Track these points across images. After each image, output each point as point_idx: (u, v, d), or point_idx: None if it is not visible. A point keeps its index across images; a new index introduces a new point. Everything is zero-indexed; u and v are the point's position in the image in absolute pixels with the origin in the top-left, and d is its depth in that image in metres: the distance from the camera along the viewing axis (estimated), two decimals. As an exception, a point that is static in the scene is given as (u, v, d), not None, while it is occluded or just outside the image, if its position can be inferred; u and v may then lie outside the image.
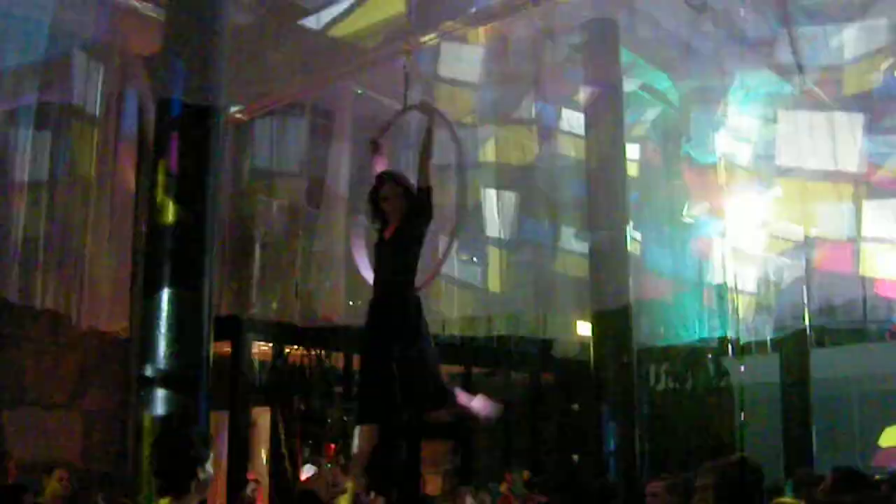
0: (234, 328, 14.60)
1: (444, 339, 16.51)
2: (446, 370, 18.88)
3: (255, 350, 15.37)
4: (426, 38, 11.24)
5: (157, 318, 7.21)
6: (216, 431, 15.27)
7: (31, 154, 10.90)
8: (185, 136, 7.52)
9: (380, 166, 6.98)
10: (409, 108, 7.59)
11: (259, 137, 14.56)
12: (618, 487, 9.00)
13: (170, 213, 7.35)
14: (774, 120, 13.58)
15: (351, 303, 13.68)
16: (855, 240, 13.96)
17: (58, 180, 11.27)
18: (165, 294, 7.23)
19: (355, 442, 6.53)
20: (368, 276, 6.89)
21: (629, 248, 11.74)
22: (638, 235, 13.64)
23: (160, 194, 7.41)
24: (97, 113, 10.52)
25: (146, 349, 7.28)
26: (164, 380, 7.01)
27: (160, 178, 7.47)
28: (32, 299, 11.37)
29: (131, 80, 9.43)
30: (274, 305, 14.66)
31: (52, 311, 11.96)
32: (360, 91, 13.80)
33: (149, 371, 7.11)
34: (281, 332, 15.13)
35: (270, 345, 15.62)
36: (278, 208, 15.01)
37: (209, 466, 4.57)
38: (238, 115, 13.85)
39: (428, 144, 6.71)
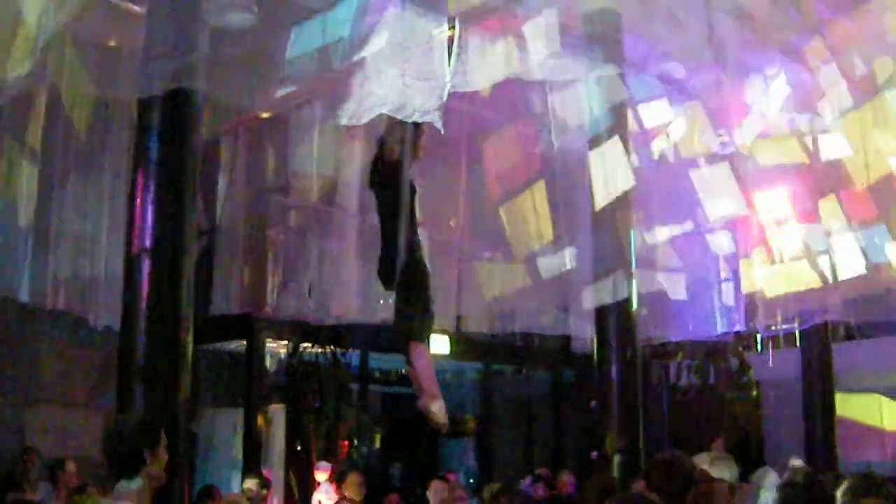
0: (248, 326, 14.80)
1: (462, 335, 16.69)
2: (468, 366, 19.14)
3: (269, 348, 15.52)
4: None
5: (137, 314, 7.32)
6: (232, 429, 15.52)
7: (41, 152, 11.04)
8: (164, 132, 7.60)
9: None
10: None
11: (272, 137, 14.67)
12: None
13: (148, 212, 7.44)
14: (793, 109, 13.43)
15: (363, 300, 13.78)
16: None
17: (68, 177, 11.42)
18: (144, 291, 7.34)
19: None
20: None
21: (634, 242, 11.61)
22: (648, 230, 13.54)
23: (139, 191, 7.49)
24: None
25: (126, 346, 7.39)
26: (143, 376, 7.10)
27: (139, 175, 7.56)
28: (46, 300, 11.53)
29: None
30: (288, 303, 14.80)
31: (69, 312, 12.15)
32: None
33: (128, 368, 7.23)
34: (295, 330, 15.26)
35: (285, 343, 15.74)
36: (292, 207, 15.14)
37: (163, 452, 4.74)
38: (251, 116, 13.92)
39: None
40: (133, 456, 4.67)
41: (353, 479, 11.76)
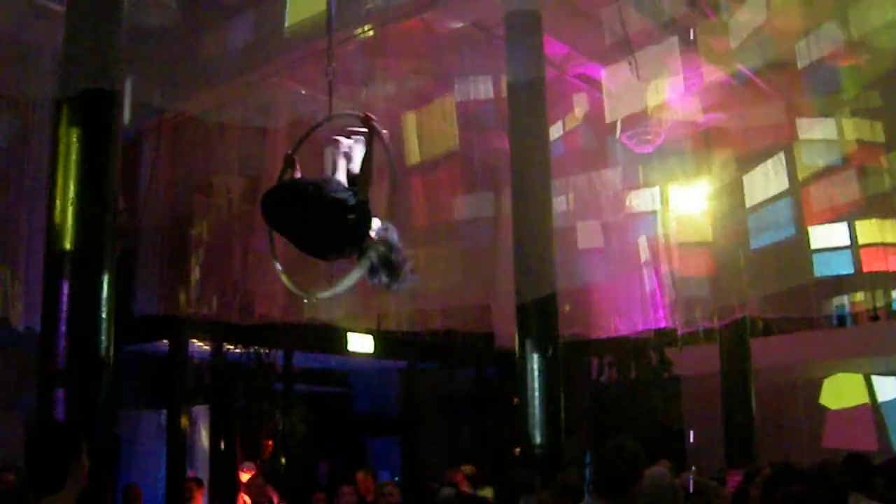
0: (172, 327, 14.72)
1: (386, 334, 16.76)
2: (392, 364, 19.17)
3: (193, 349, 15.43)
4: (352, 33, 11.22)
5: (58, 315, 7.26)
6: (157, 430, 15.44)
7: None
8: (84, 133, 7.55)
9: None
10: (330, 119, 7.05)
11: (195, 137, 14.57)
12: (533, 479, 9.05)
13: (68, 213, 7.39)
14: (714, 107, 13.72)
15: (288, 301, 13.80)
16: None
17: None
18: (64, 292, 7.29)
19: None
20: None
21: (554, 239, 11.71)
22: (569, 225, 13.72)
23: (59, 192, 7.45)
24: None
25: (47, 348, 7.32)
26: (63, 378, 7.05)
27: (59, 175, 7.51)
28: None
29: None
30: (212, 303, 14.75)
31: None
32: (303, 91, 13.82)
33: (48, 370, 7.17)
34: (219, 331, 15.20)
35: (209, 343, 15.66)
36: (216, 207, 15.07)
37: (84, 459, 4.74)
38: (174, 117, 13.89)
39: (368, 160, 6.20)
40: (56, 465, 4.68)
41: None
